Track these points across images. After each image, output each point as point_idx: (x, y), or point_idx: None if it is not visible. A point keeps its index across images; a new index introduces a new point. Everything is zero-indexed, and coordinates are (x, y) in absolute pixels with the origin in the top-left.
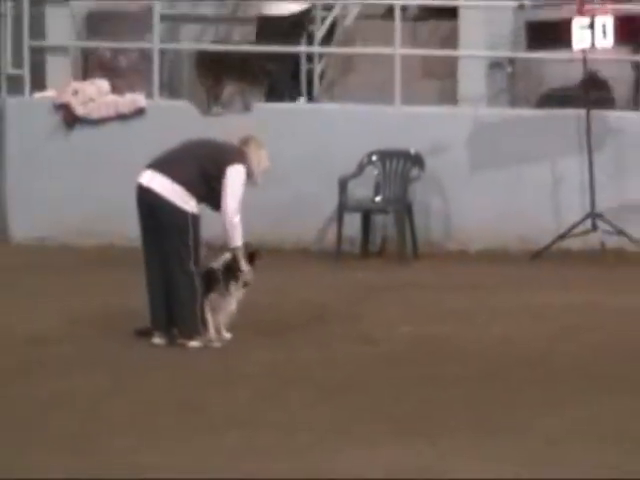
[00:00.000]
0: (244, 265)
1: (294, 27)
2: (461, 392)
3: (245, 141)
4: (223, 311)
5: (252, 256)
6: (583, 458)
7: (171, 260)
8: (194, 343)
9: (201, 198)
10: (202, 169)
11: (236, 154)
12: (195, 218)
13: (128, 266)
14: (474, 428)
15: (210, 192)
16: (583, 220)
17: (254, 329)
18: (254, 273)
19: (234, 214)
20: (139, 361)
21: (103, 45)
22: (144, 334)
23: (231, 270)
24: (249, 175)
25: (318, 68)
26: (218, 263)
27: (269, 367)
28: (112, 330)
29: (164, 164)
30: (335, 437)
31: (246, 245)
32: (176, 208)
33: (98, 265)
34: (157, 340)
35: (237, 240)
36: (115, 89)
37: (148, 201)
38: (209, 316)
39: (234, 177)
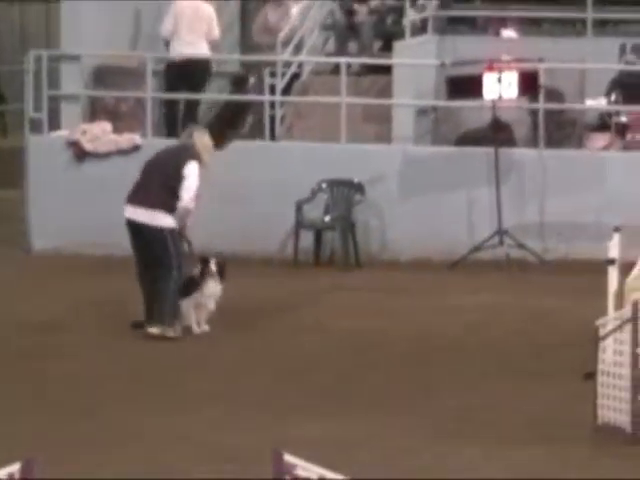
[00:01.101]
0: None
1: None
2: (390, 374)
3: (189, 134)
4: (204, 306)
5: (222, 266)
6: (487, 432)
7: (155, 267)
8: (154, 330)
9: (174, 207)
10: (166, 186)
11: (186, 153)
12: (173, 231)
13: (127, 272)
14: (398, 405)
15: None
16: (492, 236)
17: (227, 323)
18: (225, 279)
19: (188, 203)
20: (133, 348)
21: (107, 94)
22: (139, 326)
23: (215, 271)
24: (200, 162)
25: (279, 113)
26: (197, 270)
27: (239, 353)
28: (112, 322)
29: (139, 196)
30: (293, 412)
31: (217, 256)
32: (155, 228)
33: (103, 270)
34: (150, 330)
35: (186, 219)
36: (116, 129)
37: (133, 228)
38: (192, 311)
39: (189, 175)
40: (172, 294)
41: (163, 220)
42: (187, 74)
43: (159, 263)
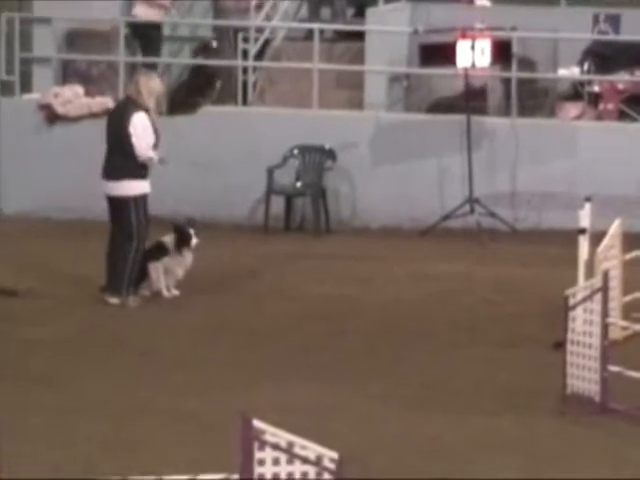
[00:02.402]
0: (191, 231)
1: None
2: (359, 342)
3: (135, 83)
4: (173, 273)
5: (192, 224)
6: (456, 400)
7: (118, 236)
8: (114, 300)
9: (140, 169)
10: (122, 151)
11: (128, 108)
12: (137, 199)
13: (98, 236)
14: (368, 373)
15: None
16: (463, 204)
17: (196, 288)
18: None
19: (146, 151)
20: (101, 313)
21: (79, 57)
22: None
23: (183, 238)
24: (147, 110)
25: (252, 79)
26: (170, 237)
27: (208, 318)
28: (81, 287)
29: (106, 169)
30: (262, 379)
31: (189, 219)
32: (120, 198)
33: (73, 235)
34: (109, 299)
35: (150, 160)
36: (88, 93)
37: (108, 202)
38: (162, 276)
39: (136, 127)
40: (132, 263)
41: (126, 188)
42: (138, 36)
43: (122, 232)
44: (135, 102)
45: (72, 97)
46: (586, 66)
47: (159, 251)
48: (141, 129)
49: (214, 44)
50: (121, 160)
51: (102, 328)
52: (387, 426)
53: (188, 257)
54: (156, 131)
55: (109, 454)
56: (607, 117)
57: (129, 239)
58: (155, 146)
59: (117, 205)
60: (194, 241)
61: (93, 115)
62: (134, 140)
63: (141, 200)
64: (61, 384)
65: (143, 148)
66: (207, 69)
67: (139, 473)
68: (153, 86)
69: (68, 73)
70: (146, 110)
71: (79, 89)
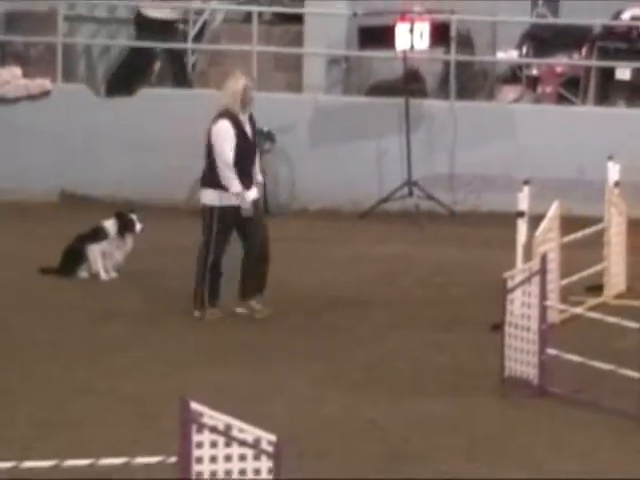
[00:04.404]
0: (133, 217)
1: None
2: (296, 324)
3: (223, 88)
4: (112, 257)
5: (132, 209)
6: (394, 382)
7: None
8: (195, 312)
9: (216, 181)
10: (208, 160)
11: (216, 115)
12: (213, 210)
13: (36, 218)
14: (305, 355)
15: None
16: (401, 187)
17: (135, 270)
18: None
19: (223, 170)
20: (41, 295)
21: (17, 39)
22: (47, 272)
23: (126, 225)
24: (230, 117)
25: (191, 60)
26: (110, 221)
27: (146, 301)
28: (22, 269)
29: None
30: (199, 362)
31: (129, 205)
32: (202, 207)
33: (11, 216)
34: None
35: (233, 187)
36: (27, 75)
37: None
38: (99, 258)
39: (215, 139)
40: (203, 277)
41: (204, 197)
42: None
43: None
44: (219, 110)
45: (10, 78)
46: (525, 49)
47: (98, 235)
48: (220, 142)
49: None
50: (205, 169)
51: (43, 310)
52: (325, 408)
53: (129, 242)
54: (246, 139)
55: (47, 435)
56: (546, 100)
57: (205, 251)
58: (248, 158)
59: (202, 214)
60: (138, 226)
61: (31, 97)
62: (215, 151)
63: (217, 212)
64: (1, 365)
65: (223, 165)
66: (146, 51)
67: (75, 455)
68: (236, 88)
69: (6, 54)
70: (232, 116)
71: (17, 70)
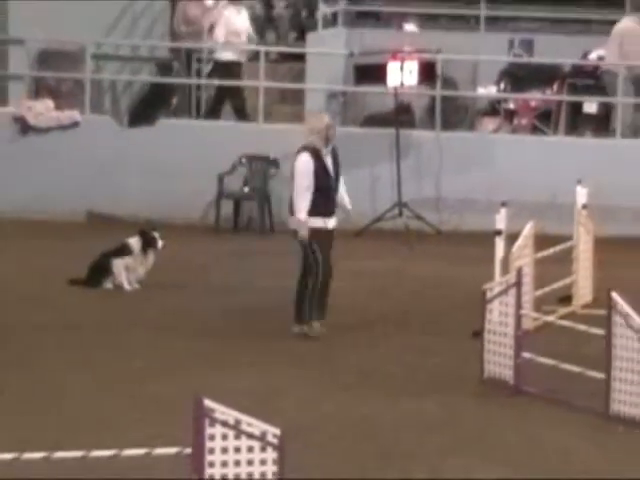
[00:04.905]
0: (155, 235)
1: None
2: (295, 332)
3: (306, 124)
4: (135, 271)
5: (154, 227)
6: (386, 384)
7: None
8: (295, 329)
9: (314, 205)
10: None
11: (300, 148)
12: (313, 235)
13: (61, 235)
14: (307, 360)
15: None
16: (392, 208)
17: (155, 283)
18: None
19: (296, 198)
20: (68, 303)
21: (49, 75)
22: (76, 283)
23: (149, 242)
24: (311, 151)
25: (204, 95)
26: (134, 239)
27: (165, 310)
28: (51, 280)
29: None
30: (212, 362)
31: (151, 223)
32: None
33: (40, 234)
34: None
35: (298, 213)
36: (58, 107)
37: None
38: (123, 271)
39: (295, 170)
40: (309, 297)
41: (291, 223)
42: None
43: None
44: (302, 145)
45: (43, 110)
46: (502, 85)
47: (123, 251)
48: (298, 176)
49: (175, 65)
50: (292, 195)
51: (68, 317)
52: (325, 406)
53: (151, 258)
54: (326, 171)
55: (76, 435)
56: (521, 131)
57: (309, 274)
58: (329, 189)
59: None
60: (160, 243)
61: (62, 127)
62: (295, 180)
63: (317, 235)
64: (24, 369)
65: (298, 203)
66: (165, 86)
67: (100, 450)
68: (315, 124)
69: (40, 89)
70: (313, 150)
71: (50, 103)
